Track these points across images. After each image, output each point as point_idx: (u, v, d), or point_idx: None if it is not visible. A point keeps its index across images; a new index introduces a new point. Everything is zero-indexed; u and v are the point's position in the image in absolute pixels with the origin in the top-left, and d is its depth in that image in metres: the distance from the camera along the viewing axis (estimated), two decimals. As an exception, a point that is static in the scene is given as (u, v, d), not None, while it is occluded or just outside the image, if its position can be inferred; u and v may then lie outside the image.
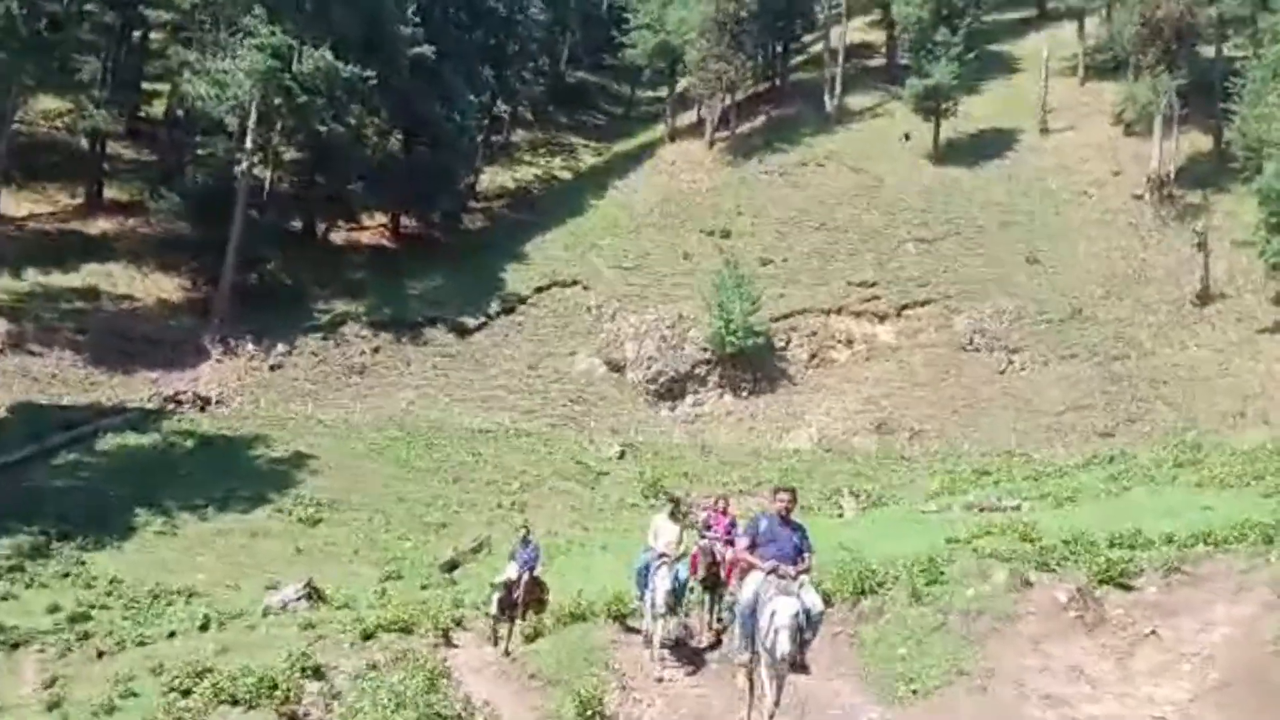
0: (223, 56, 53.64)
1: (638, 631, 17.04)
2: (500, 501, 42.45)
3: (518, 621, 18.54)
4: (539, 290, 60.89)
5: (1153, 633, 11.72)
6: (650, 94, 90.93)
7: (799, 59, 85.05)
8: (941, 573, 16.45)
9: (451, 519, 40.73)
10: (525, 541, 19.62)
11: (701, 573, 17.02)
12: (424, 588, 34.04)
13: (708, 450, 48.72)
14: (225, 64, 53.13)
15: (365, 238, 65.89)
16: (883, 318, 56.19)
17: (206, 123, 57.23)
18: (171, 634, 26.82)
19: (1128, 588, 15.16)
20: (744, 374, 54.36)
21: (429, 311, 58.22)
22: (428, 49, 60.78)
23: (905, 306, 56.25)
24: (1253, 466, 31.40)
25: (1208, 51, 65.70)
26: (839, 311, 56.56)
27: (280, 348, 53.67)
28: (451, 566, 36.93)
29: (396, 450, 46.13)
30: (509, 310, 59.56)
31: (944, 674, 11.42)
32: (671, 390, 54.68)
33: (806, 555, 11.34)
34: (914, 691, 11.57)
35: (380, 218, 67.14)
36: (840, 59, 77.19)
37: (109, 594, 32.03)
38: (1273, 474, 29.46)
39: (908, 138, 69.71)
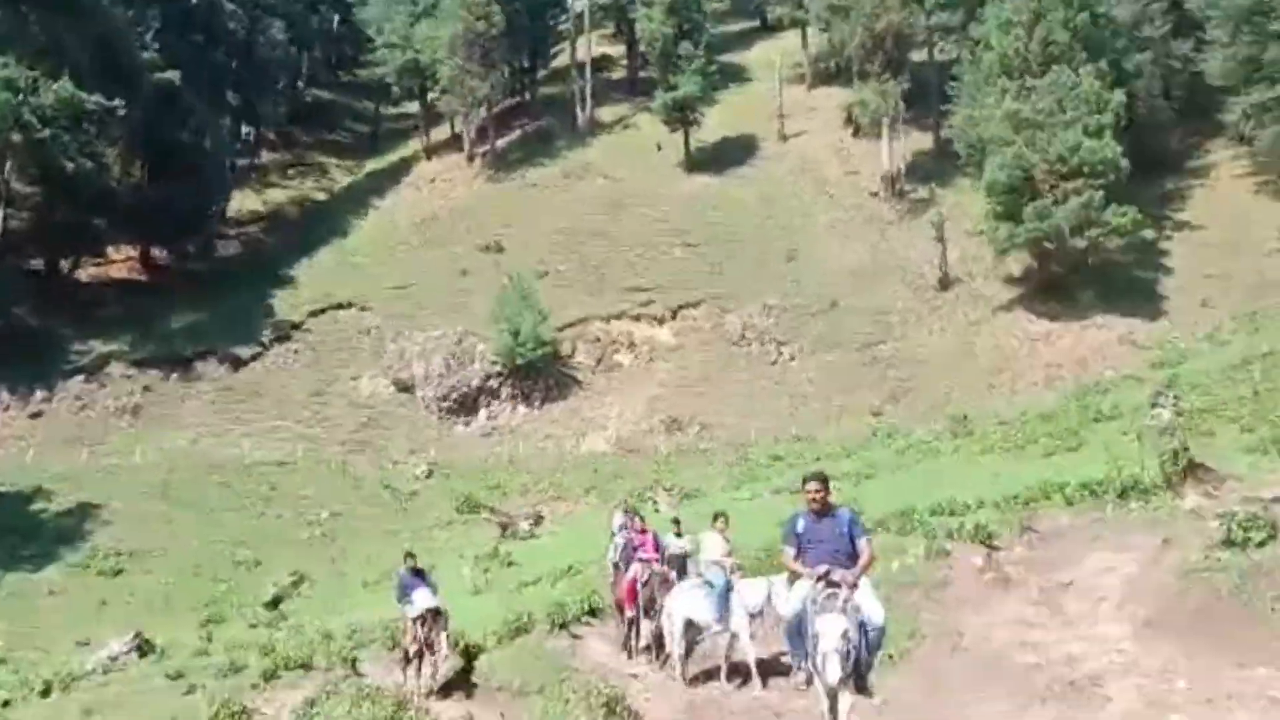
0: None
1: (578, 637, 17.63)
2: (310, 534, 41.67)
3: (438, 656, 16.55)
4: (313, 314, 59.63)
5: (1071, 583, 13.85)
6: (395, 110, 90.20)
7: (544, 73, 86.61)
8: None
9: (263, 556, 39.66)
10: (416, 571, 17.33)
11: (644, 601, 16.04)
12: (253, 626, 33.26)
13: (514, 462, 49.37)
14: (-50, 99, 49.01)
15: (114, 272, 62.25)
16: (660, 320, 58.64)
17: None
18: (5, 703, 25.15)
19: (995, 548, 17.47)
20: (535, 384, 55.41)
21: (198, 345, 55.92)
22: (173, 74, 58.24)
23: (680, 308, 58.94)
24: (1023, 431, 35.57)
25: (920, 56, 72.15)
26: (619, 317, 58.57)
27: (39, 394, 50.19)
28: (275, 602, 36.11)
29: (190, 491, 44.24)
30: (283, 338, 58.03)
31: (910, 638, 12.80)
32: (464, 406, 54.99)
33: (862, 544, 9.18)
34: (889, 656, 12.21)
35: (128, 251, 63.57)
36: (588, 71, 79.47)
37: (-98, 671, 29.44)
38: (1045, 438, 33.50)
39: (660, 148, 72.74)
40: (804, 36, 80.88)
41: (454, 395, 55.28)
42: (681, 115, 70.63)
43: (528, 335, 54.85)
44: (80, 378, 51.83)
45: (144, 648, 29.19)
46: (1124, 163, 51.27)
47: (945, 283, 56.87)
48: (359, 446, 51.51)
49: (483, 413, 55.19)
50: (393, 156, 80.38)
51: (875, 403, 51.12)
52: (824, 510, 9.28)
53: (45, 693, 24.71)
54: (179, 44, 62.89)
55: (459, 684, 16.28)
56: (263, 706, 18.06)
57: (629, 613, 16.34)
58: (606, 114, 79.28)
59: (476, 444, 52.97)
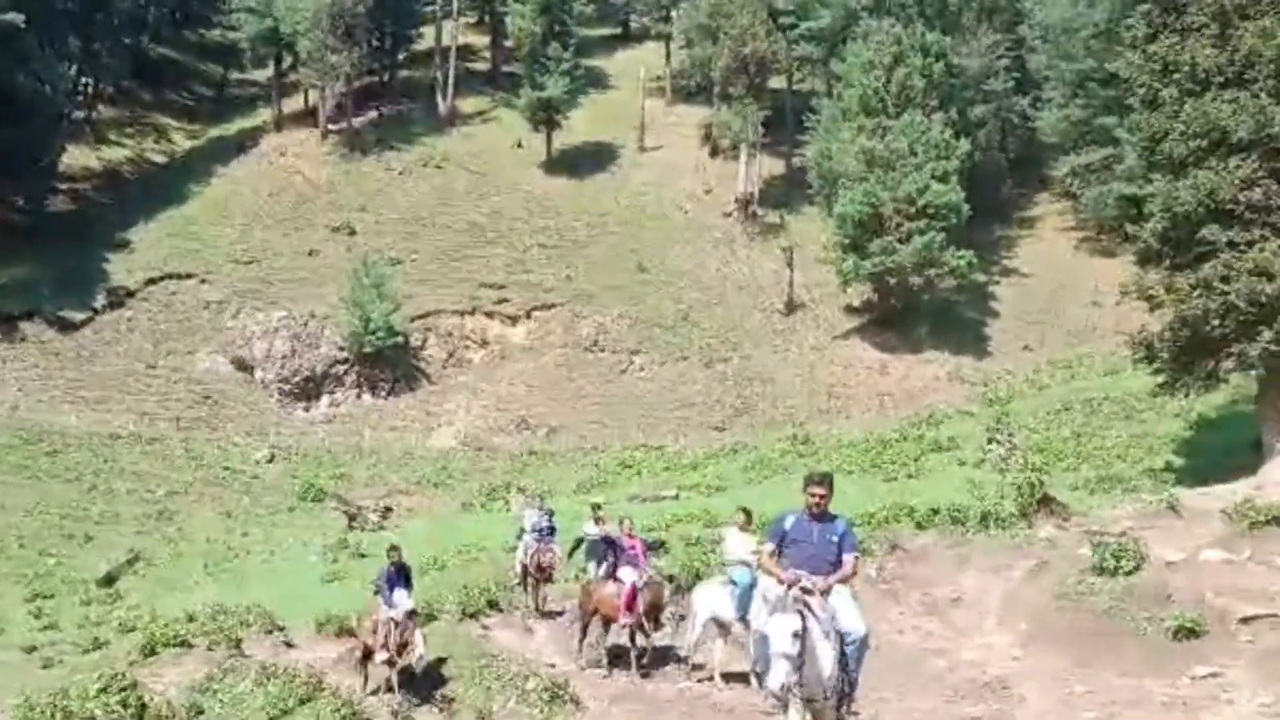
0: None
1: (487, 628, 17.88)
2: (147, 511, 40.09)
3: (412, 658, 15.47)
4: (150, 283, 57.23)
5: (959, 598, 15.11)
6: (242, 76, 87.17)
7: (404, 56, 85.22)
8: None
9: (95, 531, 38.03)
10: (399, 568, 16.11)
11: (643, 608, 15.35)
12: (86, 604, 31.98)
13: (362, 452, 48.66)
14: None
15: (-70, 219, 58.07)
16: (514, 319, 58.85)
17: None
18: None
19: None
20: (382, 374, 54.78)
21: (22, 304, 52.77)
22: (15, 16, 54.90)
23: (535, 309, 59.28)
24: (867, 455, 37.58)
25: (779, 83, 74.63)
26: (473, 313, 58.49)
27: None
28: (109, 580, 34.74)
29: (13, 458, 41.90)
30: (116, 304, 55.48)
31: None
32: (306, 390, 53.89)
33: (847, 558, 8.67)
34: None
35: (-54, 195, 59.44)
36: (452, 59, 78.82)
37: None
38: (887, 463, 35.57)
39: (521, 145, 72.84)
40: (667, 51, 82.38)
41: (296, 379, 54.08)
42: (546, 115, 70.95)
43: (378, 323, 54.17)
44: (-113, 331, 48.26)
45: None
46: (965, 208, 54.58)
47: (791, 306, 59.13)
48: (194, 424, 49.77)
49: (326, 399, 54.19)
50: (239, 124, 77.52)
51: (719, 418, 52.73)
52: (822, 514, 8.79)
53: None
54: (23, -16, 59.11)
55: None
56: (149, 682, 17.67)
57: (624, 619, 15.42)
58: (467, 105, 78.68)
59: (317, 430, 51.95)
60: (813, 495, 8.84)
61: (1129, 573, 13.92)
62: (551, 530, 19.89)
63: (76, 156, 68.73)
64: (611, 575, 15.87)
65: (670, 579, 16.34)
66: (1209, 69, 25.73)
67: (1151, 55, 27.12)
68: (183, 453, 45.66)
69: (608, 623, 16.05)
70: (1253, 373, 26.61)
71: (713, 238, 65.91)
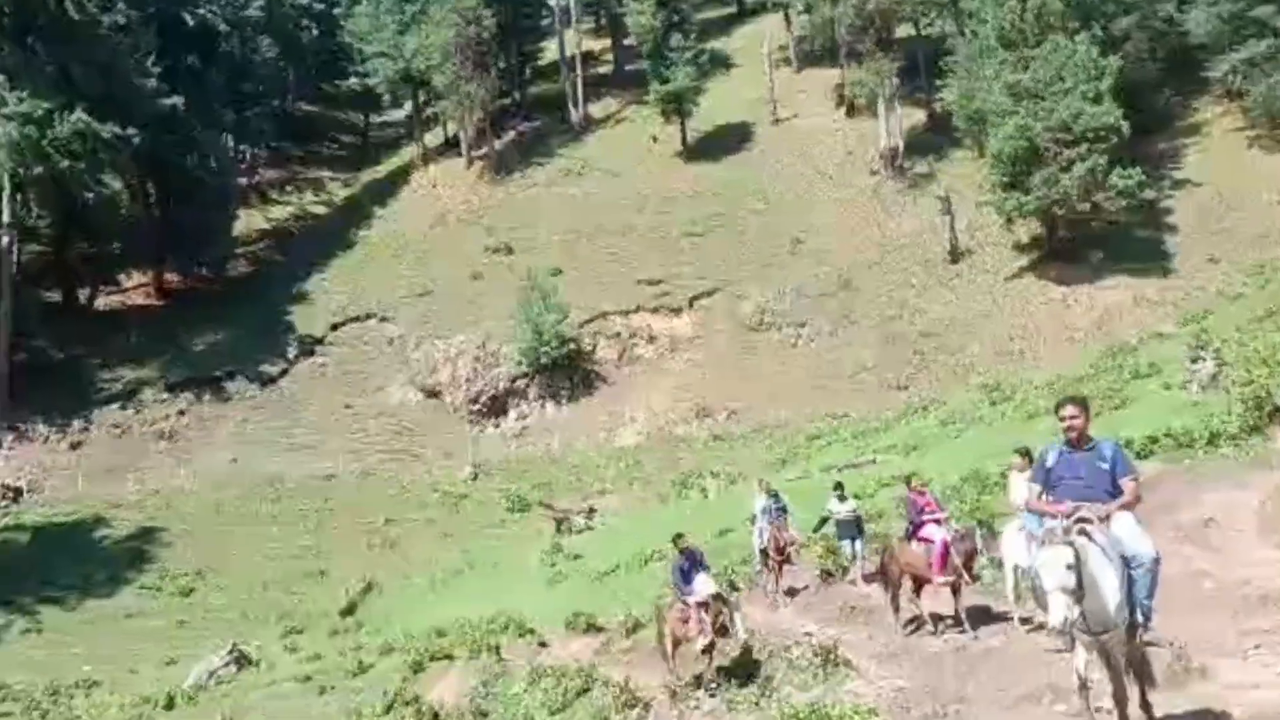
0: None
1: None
2: (370, 541, 42.45)
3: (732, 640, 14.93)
4: (334, 328, 60.28)
5: (1209, 519, 14.97)
6: (380, 119, 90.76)
7: (530, 72, 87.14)
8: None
9: (327, 566, 40.51)
10: (689, 554, 15.62)
11: (958, 561, 14.57)
12: (333, 634, 34.16)
13: (555, 459, 50.23)
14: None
15: (130, 299, 62.60)
16: (677, 311, 59.59)
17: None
18: (136, 720, 25.92)
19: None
20: (561, 382, 56.28)
21: (225, 365, 56.40)
22: (176, 100, 58.66)
23: (695, 297, 59.91)
24: (1064, 393, 36.67)
25: (904, 30, 73.21)
26: (636, 310, 59.47)
27: (76, 425, 50.64)
28: (350, 609, 37.03)
29: (244, 509, 44.98)
30: (307, 353, 58.68)
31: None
32: (493, 408, 55.81)
33: (1125, 483, 8.10)
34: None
35: (139, 277, 63.94)
36: (578, 68, 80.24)
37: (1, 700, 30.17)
38: (1089, 397, 34.66)
39: (655, 140, 73.63)
40: (787, 19, 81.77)
41: (483, 398, 56.07)
42: (677, 106, 71.54)
43: (550, 334, 55.67)
44: (115, 406, 52.30)
45: (241, 660, 30.09)
46: (1125, 126, 52.50)
47: (955, 254, 58.02)
48: (395, 454, 52.25)
49: (512, 413, 56.02)
50: (388, 165, 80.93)
51: (899, 377, 52.22)
52: (1081, 441, 8.18)
53: (169, 705, 25.57)
54: (176, 67, 63.06)
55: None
56: (426, 694, 19.02)
57: (939, 579, 14.70)
58: (597, 110, 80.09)
59: (510, 444, 53.78)
60: (1065, 419, 8.28)
61: (1394, 471, 13.53)
62: (783, 510, 20.18)
63: (247, 221, 72.97)
64: (913, 535, 15.31)
65: (980, 524, 15.35)
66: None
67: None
68: (393, 482, 48.03)
69: (919, 586, 15.20)
70: None
71: (863, 198, 65.21)
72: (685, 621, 14.92)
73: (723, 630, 14.44)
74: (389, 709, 17.67)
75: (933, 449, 36.35)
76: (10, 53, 51.51)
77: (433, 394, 56.55)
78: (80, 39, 52.96)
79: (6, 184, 50.71)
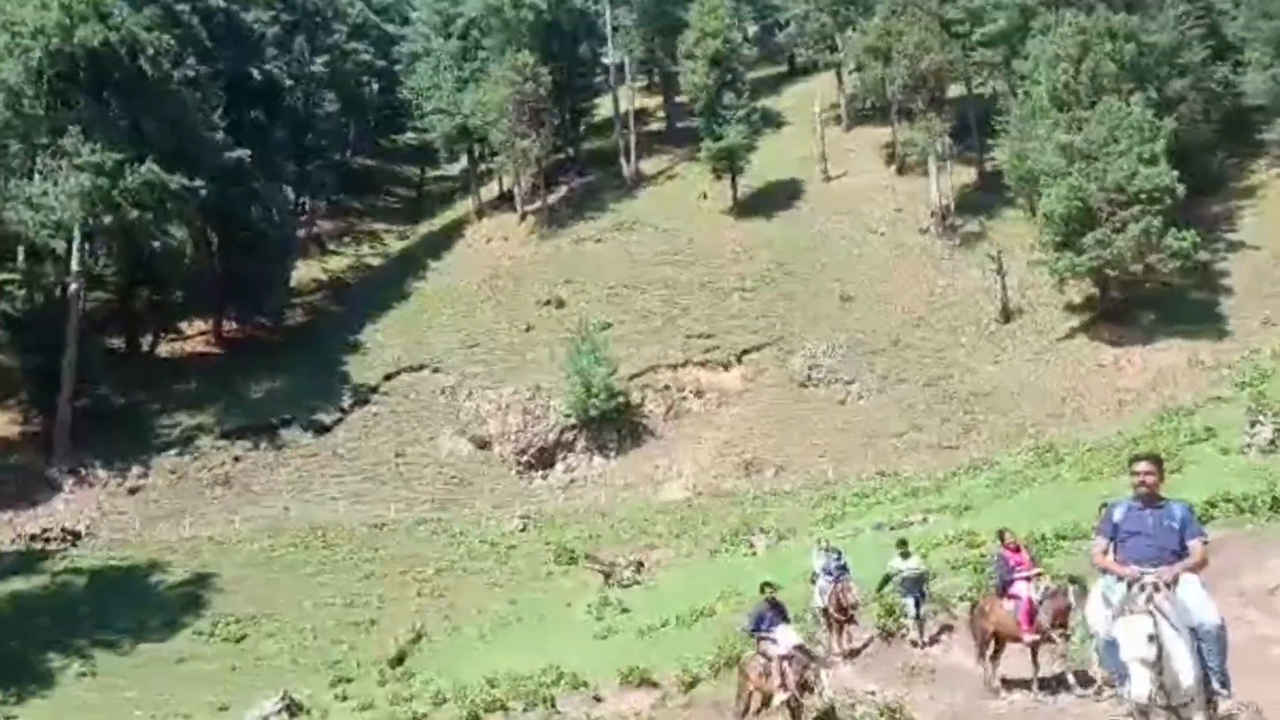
0: (40, 179, 51.43)
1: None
2: (419, 590, 42.76)
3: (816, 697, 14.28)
4: (387, 378, 61.15)
5: (1276, 587, 14.94)
6: (438, 173, 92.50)
7: (584, 128, 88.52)
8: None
9: (377, 615, 40.81)
10: (775, 605, 15.34)
11: (1047, 620, 14.39)
12: (381, 684, 34.31)
13: (603, 512, 50.40)
14: (43, 186, 50.95)
15: (189, 347, 63.98)
16: (726, 365, 59.85)
17: (22, 247, 54.46)
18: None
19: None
20: (609, 435, 56.58)
21: (281, 414, 57.37)
22: (242, 153, 60.34)
23: (744, 352, 60.16)
24: (1120, 457, 36.35)
25: (955, 89, 73.59)
26: (685, 365, 59.82)
27: (135, 470, 51.68)
28: (400, 659, 37.19)
29: (296, 556, 45.50)
30: (362, 402, 59.52)
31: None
32: (542, 459, 56.20)
33: (1193, 544, 7.98)
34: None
35: (200, 325, 65.38)
36: (631, 123, 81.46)
37: (60, 747, 30.69)
38: (1140, 460, 34.33)
39: (705, 196, 74.39)
40: (839, 78, 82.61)
41: (531, 449, 56.49)
42: (728, 163, 72.31)
43: (599, 387, 56.07)
44: (173, 452, 53.33)
45: (292, 708, 30.37)
46: (1179, 188, 52.39)
47: (1006, 314, 57.91)
48: (444, 503, 52.70)
49: (560, 465, 56.35)
50: (443, 218, 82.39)
51: (948, 438, 51.97)
52: (1153, 499, 8.07)
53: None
54: (242, 121, 64.91)
55: None
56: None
57: (1027, 637, 14.51)
58: (649, 166, 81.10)
59: (558, 496, 54.07)
60: (1139, 474, 8.16)
61: None
62: (843, 569, 20.11)
63: (305, 271, 74.51)
64: (1003, 593, 15.09)
65: (1073, 580, 14.68)
66: None
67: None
68: (442, 532, 48.41)
69: (1000, 646, 15.02)
70: None
71: (912, 256, 65.41)
72: (766, 675, 14.36)
73: (806, 687, 13.91)
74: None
75: (985, 510, 36.04)
76: (86, 106, 53.27)
77: (483, 444, 57.07)
78: (152, 94, 54.70)
79: (77, 233, 52.26)
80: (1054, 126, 54.88)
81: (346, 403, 58.88)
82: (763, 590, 15.76)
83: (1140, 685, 7.28)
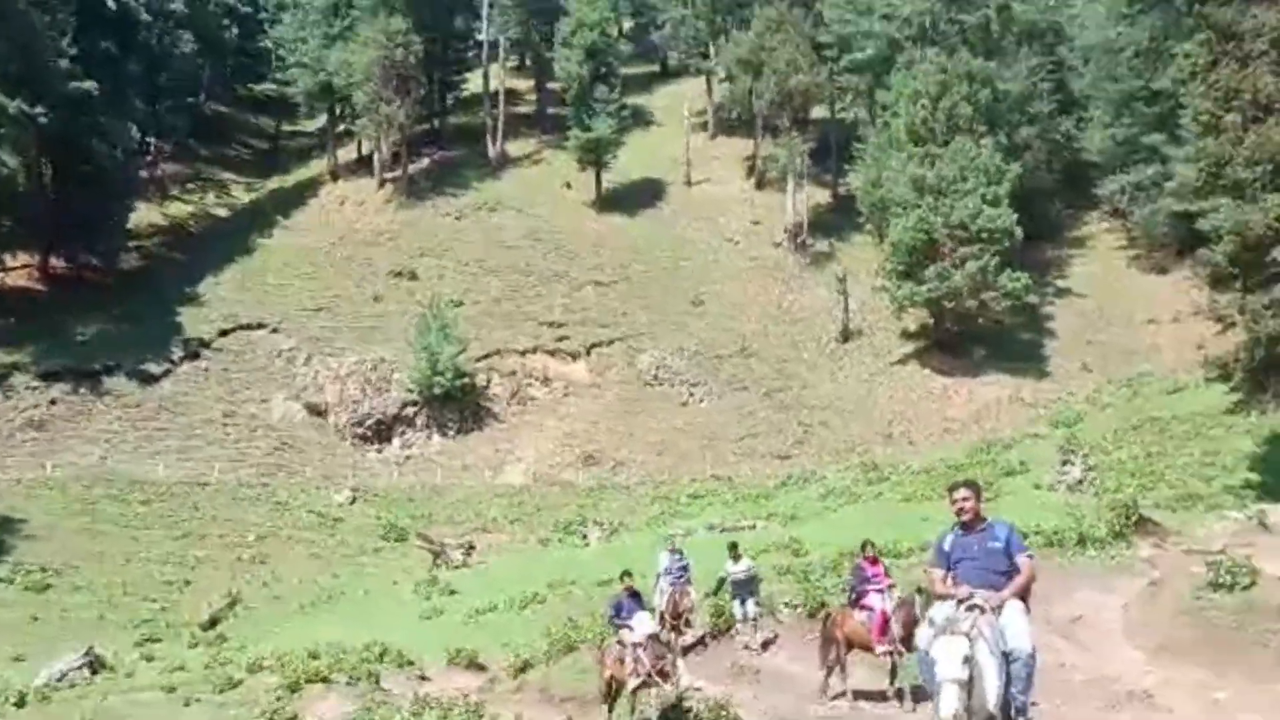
0: None
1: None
2: (239, 555, 41.50)
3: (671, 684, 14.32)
4: (223, 334, 59.01)
5: (1079, 616, 16.04)
6: (292, 128, 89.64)
7: (452, 102, 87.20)
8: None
9: (193, 576, 39.45)
10: (633, 593, 15.70)
11: (899, 631, 14.49)
12: (192, 646, 33.22)
13: (438, 491, 49.93)
14: None
15: (10, 280, 60.25)
16: (575, 356, 60.07)
17: None
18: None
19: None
20: (451, 414, 56.09)
21: (105, 359, 54.59)
22: (90, 85, 57.23)
23: (594, 345, 60.49)
24: (940, 481, 38.17)
25: (820, 111, 75.63)
26: (534, 351, 59.78)
27: (-62, 403, 48.39)
28: (212, 623, 36.05)
29: (111, 508, 43.51)
30: (193, 356, 57.25)
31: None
32: (379, 433, 55.29)
33: (1021, 561, 8.23)
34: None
35: (24, 258, 61.65)
36: (501, 104, 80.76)
37: None
38: (961, 486, 36.17)
39: (569, 186, 74.44)
40: (708, 86, 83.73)
41: (369, 422, 55.53)
42: (595, 156, 72.50)
43: (446, 365, 55.54)
44: (-18, 388, 50.22)
45: (95, 664, 29.04)
46: (1018, 231, 55.31)
47: (847, 334, 59.99)
48: (274, 470, 51.25)
49: (397, 441, 55.57)
50: (297, 175, 79.85)
51: (782, 447, 53.53)
52: (974, 522, 8.32)
53: (20, 704, 24.53)
54: (92, 51, 61.41)
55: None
56: (301, 716, 18.82)
57: (879, 648, 14.81)
58: (515, 148, 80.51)
59: (392, 471, 53.30)
60: (957, 501, 8.39)
61: (1245, 588, 14.75)
62: (684, 570, 20.35)
63: (144, 214, 71.02)
64: (855, 603, 15.41)
65: (919, 591, 14.64)
66: (1270, 95, 26.49)
67: (1213, 83, 27.85)
68: (268, 498, 47.09)
69: (849, 650, 15.22)
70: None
71: (765, 269, 66.99)
72: (621, 662, 14.58)
73: (663, 674, 14.03)
74: (263, 723, 17.43)
75: (811, 521, 37.33)
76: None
77: (317, 412, 55.77)
78: (-2, 12, 51.32)
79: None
80: (908, 160, 57.11)
81: (177, 355, 56.51)
82: (622, 579, 16.05)
83: (948, 705, 7.42)
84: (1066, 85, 67.31)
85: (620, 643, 14.80)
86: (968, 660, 7.50)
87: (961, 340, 57.11)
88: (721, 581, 20.31)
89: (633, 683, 14.25)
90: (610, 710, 15.00)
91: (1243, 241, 26.48)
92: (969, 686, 7.47)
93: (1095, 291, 60.06)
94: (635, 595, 15.62)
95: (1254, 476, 30.15)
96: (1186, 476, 32.45)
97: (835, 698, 15.19)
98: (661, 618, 19.59)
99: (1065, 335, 57.70)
